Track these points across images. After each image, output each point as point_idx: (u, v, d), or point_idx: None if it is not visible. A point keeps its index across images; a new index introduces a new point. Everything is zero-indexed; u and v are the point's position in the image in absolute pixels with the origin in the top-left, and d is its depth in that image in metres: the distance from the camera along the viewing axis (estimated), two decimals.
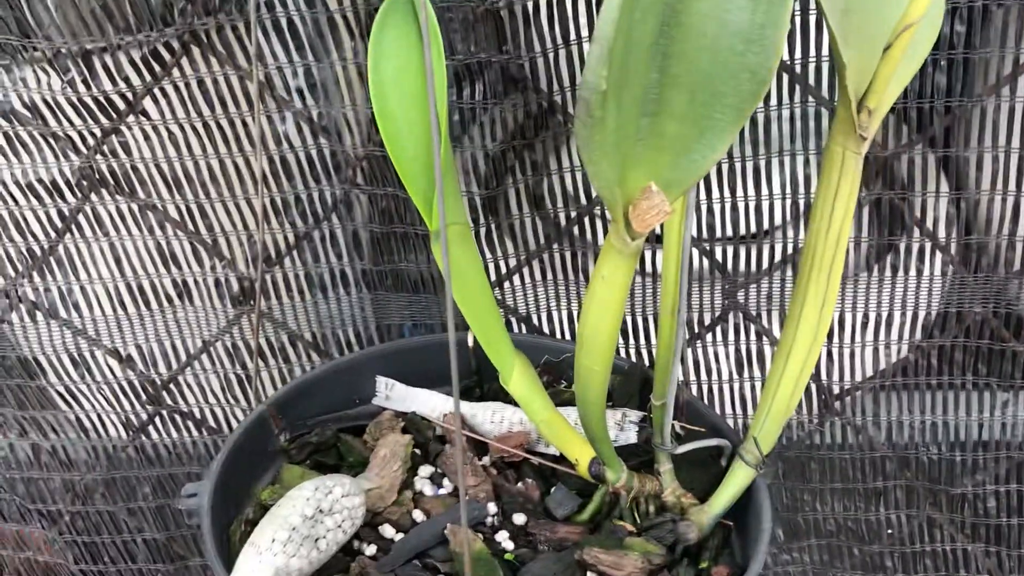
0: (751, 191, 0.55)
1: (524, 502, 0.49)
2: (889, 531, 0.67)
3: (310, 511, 0.44)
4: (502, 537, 0.48)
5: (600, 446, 0.46)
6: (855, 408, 0.62)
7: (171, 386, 0.64)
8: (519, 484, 0.50)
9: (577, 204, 0.58)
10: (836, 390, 0.62)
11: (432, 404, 0.54)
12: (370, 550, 0.47)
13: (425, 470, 0.51)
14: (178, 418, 0.66)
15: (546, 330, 0.62)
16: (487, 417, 0.53)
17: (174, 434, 0.66)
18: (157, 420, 0.66)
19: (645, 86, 0.33)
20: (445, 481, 0.51)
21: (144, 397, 0.65)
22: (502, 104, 0.55)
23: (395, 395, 0.55)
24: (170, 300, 0.61)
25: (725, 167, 0.55)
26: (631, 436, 0.51)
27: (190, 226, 0.58)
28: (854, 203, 0.40)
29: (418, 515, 0.49)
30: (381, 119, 0.37)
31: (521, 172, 0.58)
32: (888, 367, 0.60)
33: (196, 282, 0.60)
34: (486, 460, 0.52)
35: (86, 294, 0.61)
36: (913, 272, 0.57)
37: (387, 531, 0.48)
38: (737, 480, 0.47)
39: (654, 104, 0.33)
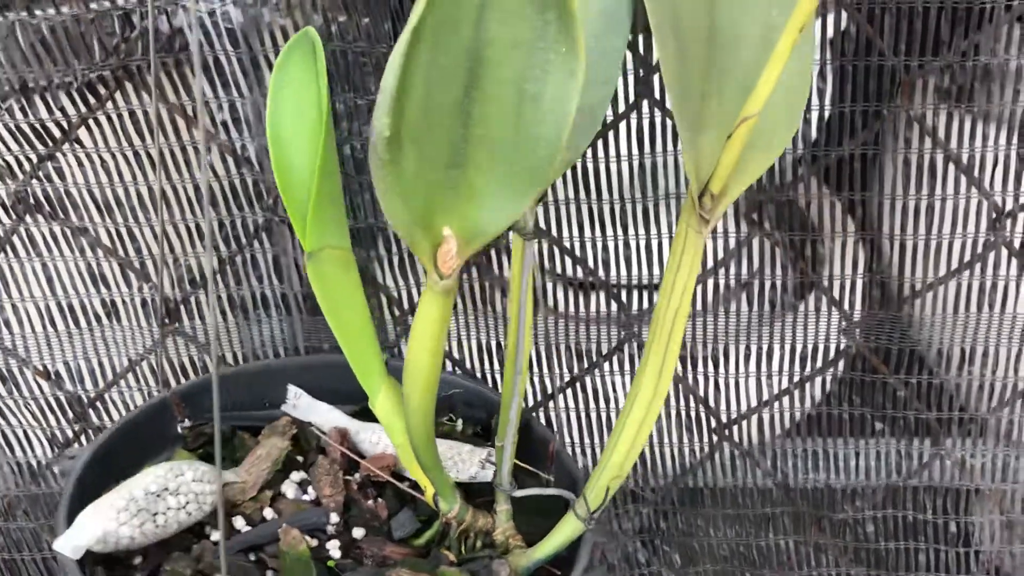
0: (641, 230, 0.60)
1: (370, 519, 0.52)
2: (780, 556, 0.71)
3: (155, 488, 0.48)
4: (332, 546, 0.50)
5: (431, 474, 0.48)
6: (742, 436, 0.67)
7: (97, 403, 0.67)
8: (370, 502, 0.53)
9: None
10: (724, 419, 0.66)
11: (328, 418, 0.57)
12: (216, 536, 0.50)
13: (296, 475, 0.55)
14: None
15: (455, 357, 0.66)
16: (368, 437, 0.56)
17: None
18: (83, 437, 0.68)
19: (452, 140, 0.35)
20: (310, 489, 0.54)
21: (71, 414, 0.67)
22: None
23: (301, 405, 0.58)
24: (99, 319, 0.64)
25: (617, 207, 0.59)
26: (488, 475, 0.53)
27: (120, 249, 0.61)
28: (694, 279, 0.42)
29: (269, 513, 0.52)
30: (274, 145, 0.42)
31: None
32: (770, 397, 0.65)
33: (124, 302, 0.64)
34: (357, 476, 0.55)
35: (17, 312, 0.64)
36: (791, 309, 0.62)
37: (238, 523, 0.51)
38: (564, 530, 0.48)
39: (462, 157, 0.36)
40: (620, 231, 0.60)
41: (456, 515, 0.50)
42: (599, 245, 0.61)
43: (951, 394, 0.63)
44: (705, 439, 0.67)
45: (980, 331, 0.61)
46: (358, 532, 0.52)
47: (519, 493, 0.50)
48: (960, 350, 0.61)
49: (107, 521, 0.47)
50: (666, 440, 0.67)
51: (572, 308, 0.66)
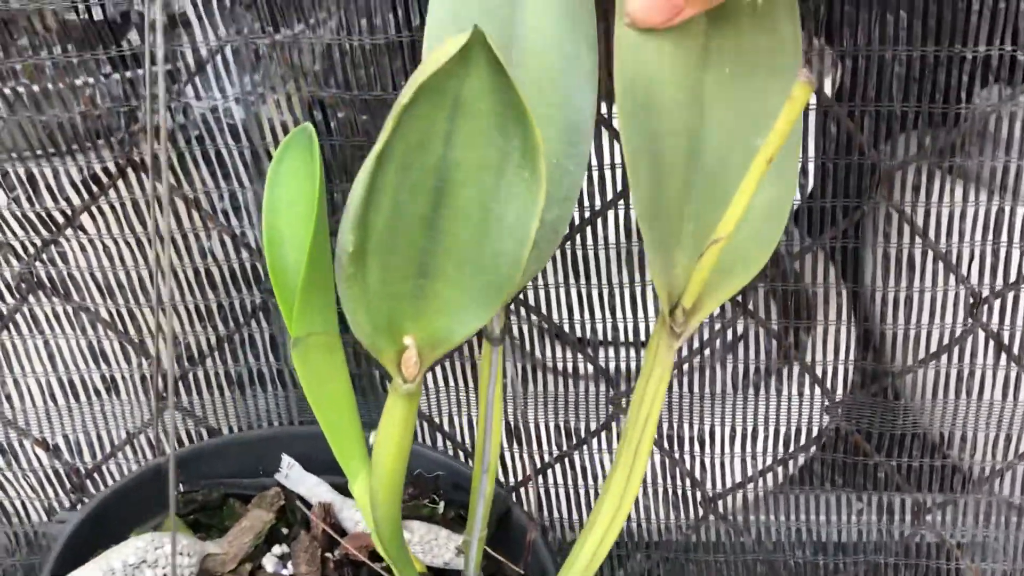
0: (629, 313, 0.62)
1: None
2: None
3: (133, 559, 0.49)
4: None
5: (396, 565, 0.48)
6: (727, 513, 0.68)
7: (95, 475, 0.68)
8: None
9: None
10: (710, 495, 0.67)
11: (316, 492, 0.58)
12: None
13: (278, 549, 0.56)
14: None
15: (447, 431, 0.68)
16: (351, 515, 0.57)
17: None
18: (78, 507, 0.69)
19: (418, 251, 0.37)
20: (290, 564, 0.55)
21: (68, 485, 0.69)
22: None
23: (292, 475, 0.59)
24: (98, 394, 0.65)
25: (606, 292, 0.61)
26: (463, 563, 0.53)
27: (119, 327, 0.63)
28: (664, 390, 0.42)
29: None
30: (268, 237, 0.43)
31: None
32: (755, 475, 0.66)
33: (123, 377, 0.65)
34: (336, 554, 0.55)
35: (19, 387, 0.65)
36: (773, 393, 0.64)
37: None
38: None
39: (429, 267, 0.37)
40: (608, 314, 0.62)
41: None
42: (587, 327, 0.63)
43: (931, 474, 0.65)
44: (691, 514, 0.68)
45: (959, 416, 0.62)
46: None
47: None
48: (939, 434, 0.63)
49: None
50: (652, 517, 0.68)
51: (561, 388, 0.68)
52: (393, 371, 0.40)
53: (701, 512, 0.68)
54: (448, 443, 0.68)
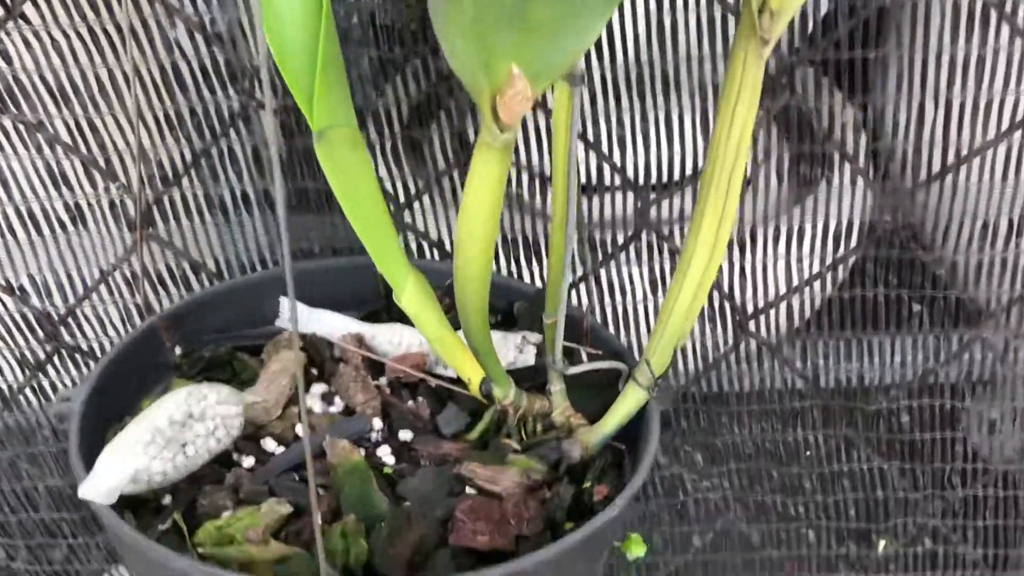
0: (660, 99, 0.55)
1: (413, 420, 0.48)
2: (807, 452, 0.67)
3: (179, 415, 0.43)
4: (384, 452, 0.47)
5: (484, 359, 0.45)
6: (769, 327, 0.62)
7: (69, 320, 0.61)
8: (410, 403, 0.49)
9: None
10: (750, 309, 0.61)
11: (335, 325, 0.53)
12: (248, 462, 0.46)
13: (318, 388, 0.50)
14: (78, 356, 0.63)
15: None
16: (386, 338, 0.52)
17: (73, 372, 0.63)
18: (56, 359, 0.63)
19: None
20: (336, 400, 0.50)
21: (41, 333, 0.62)
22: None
23: (299, 317, 0.53)
24: (63, 225, 0.58)
25: (633, 74, 0.54)
26: (529, 358, 0.50)
27: (81, 145, 0.55)
28: (755, 109, 0.38)
29: (302, 431, 0.47)
30: (266, 9, 0.36)
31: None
32: (800, 282, 0.60)
33: (90, 205, 0.57)
34: (383, 381, 0.51)
35: None
36: (823, 183, 0.57)
37: (268, 445, 0.47)
38: (628, 402, 0.46)
39: None
40: (637, 101, 0.55)
41: (512, 401, 0.46)
42: (613, 119, 0.55)
43: (994, 272, 0.59)
44: (730, 331, 0.62)
45: None
46: (405, 435, 0.48)
47: (574, 370, 0.46)
48: (1008, 220, 0.57)
49: (136, 458, 0.42)
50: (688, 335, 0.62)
51: (585, 199, 0.61)
52: (488, 117, 0.34)
53: (739, 331, 0.62)
54: None
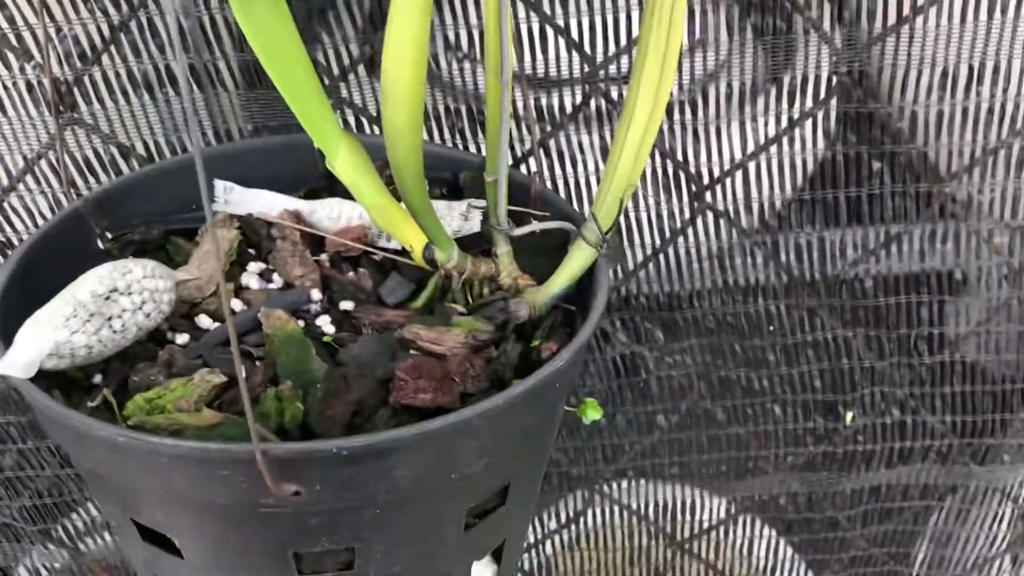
0: None
1: (355, 291, 0.47)
2: (771, 327, 0.66)
3: (102, 289, 0.41)
4: (323, 321, 0.45)
5: (423, 220, 0.43)
6: (725, 195, 0.60)
7: None
8: (351, 274, 0.47)
9: None
10: (705, 176, 0.59)
11: (272, 204, 0.51)
12: (182, 339, 0.44)
13: (255, 266, 0.48)
14: (9, 253, 0.60)
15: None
16: (326, 213, 0.50)
17: None
18: None
19: None
20: (275, 276, 0.48)
21: None
22: None
23: (234, 199, 0.51)
24: None
25: None
26: (475, 224, 0.49)
27: None
28: None
29: (238, 305, 0.46)
30: None
31: None
32: (756, 146, 0.58)
33: (6, 88, 0.54)
34: (323, 257, 0.49)
35: None
36: (779, 36, 0.55)
37: (203, 321, 0.45)
38: (576, 260, 0.45)
39: None
40: None
41: (456, 264, 0.44)
42: None
43: (955, 123, 0.57)
44: (685, 201, 0.60)
45: (991, 42, 0.54)
46: (346, 305, 0.46)
47: (519, 231, 0.44)
48: (968, 67, 0.54)
49: (55, 330, 0.39)
50: (641, 205, 0.60)
51: (528, 65, 0.58)
52: None
53: (695, 203, 0.60)
54: None
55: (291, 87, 0.42)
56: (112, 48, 0.54)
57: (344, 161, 0.45)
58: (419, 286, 0.47)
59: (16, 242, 0.60)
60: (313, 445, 0.36)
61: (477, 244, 0.48)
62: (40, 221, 0.59)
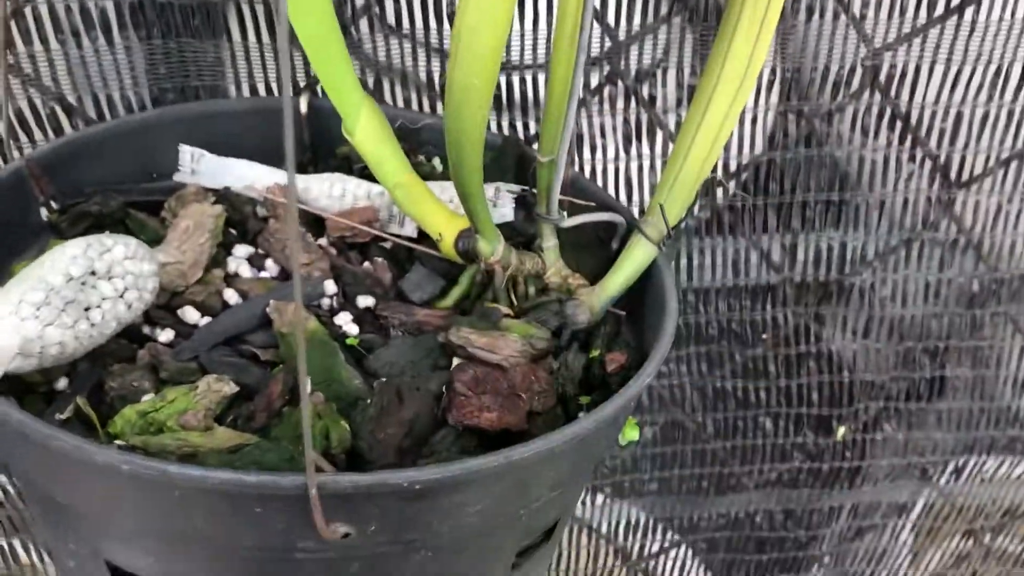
0: None
1: (371, 285, 0.39)
2: (764, 335, 0.61)
3: (78, 271, 0.32)
4: (343, 320, 0.37)
5: (473, 204, 0.36)
6: (740, 184, 0.55)
7: None
8: (365, 264, 0.40)
9: None
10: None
11: (253, 175, 0.43)
12: (165, 336, 0.36)
13: (242, 250, 0.40)
14: None
15: (399, 96, 0.51)
16: (324, 190, 0.42)
17: None
18: None
19: None
20: (268, 263, 0.40)
21: None
22: None
23: (204, 168, 0.43)
24: None
25: None
26: (507, 212, 0.42)
27: None
28: None
29: (232, 297, 0.38)
30: None
31: None
32: (767, 133, 0.54)
33: None
34: (323, 241, 0.41)
35: None
36: None
37: (190, 315, 0.37)
38: (636, 258, 0.39)
39: None
40: None
41: (501, 259, 0.37)
42: None
43: None
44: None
45: None
46: (365, 301, 0.38)
47: (571, 221, 0.38)
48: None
49: (26, 323, 0.31)
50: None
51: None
52: None
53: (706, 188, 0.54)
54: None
55: (314, 43, 0.35)
56: None
57: (364, 128, 0.38)
58: (443, 279, 0.40)
59: None
60: (384, 477, 0.28)
61: (507, 236, 0.41)
62: None
